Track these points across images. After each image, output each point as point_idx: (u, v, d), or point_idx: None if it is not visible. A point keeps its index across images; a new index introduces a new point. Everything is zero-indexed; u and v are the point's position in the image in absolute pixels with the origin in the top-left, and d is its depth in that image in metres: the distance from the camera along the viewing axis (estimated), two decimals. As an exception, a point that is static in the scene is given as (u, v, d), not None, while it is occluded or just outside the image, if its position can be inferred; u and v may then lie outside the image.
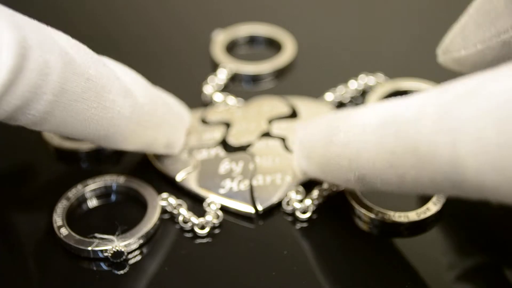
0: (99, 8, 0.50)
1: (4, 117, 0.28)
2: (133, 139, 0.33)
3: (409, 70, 0.42)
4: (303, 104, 0.39)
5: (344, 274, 0.32)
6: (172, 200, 0.34)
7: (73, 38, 0.30)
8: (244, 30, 0.46)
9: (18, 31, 0.26)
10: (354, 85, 0.41)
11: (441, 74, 0.41)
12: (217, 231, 0.34)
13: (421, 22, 0.48)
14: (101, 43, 0.46)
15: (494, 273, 0.31)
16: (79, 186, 0.34)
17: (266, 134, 0.38)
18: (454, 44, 0.33)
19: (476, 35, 0.31)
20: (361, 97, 0.41)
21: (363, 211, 0.33)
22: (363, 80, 0.41)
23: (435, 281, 0.31)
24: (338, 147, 0.29)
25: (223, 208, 0.34)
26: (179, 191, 0.35)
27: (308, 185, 0.35)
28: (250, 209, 0.34)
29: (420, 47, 0.45)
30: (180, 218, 0.34)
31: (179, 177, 0.36)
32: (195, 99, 0.41)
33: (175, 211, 0.34)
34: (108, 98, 0.30)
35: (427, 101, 0.25)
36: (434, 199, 0.33)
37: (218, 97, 0.41)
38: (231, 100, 0.41)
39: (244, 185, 0.35)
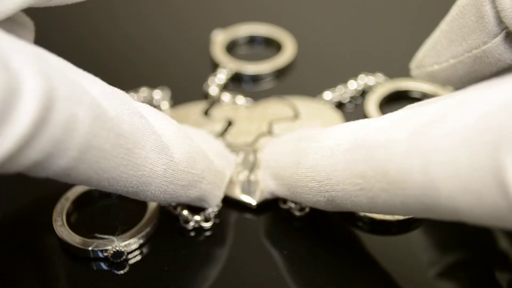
0: (99, 8, 0.50)
1: (22, 170, 0.25)
2: (164, 195, 0.30)
3: (409, 70, 0.42)
4: (303, 104, 0.40)
5: (340, 270, 0.32)
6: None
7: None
8: (244, 30, 0.46)
9: (46, 80, 0.23)
10: (353, 85, 0.41)
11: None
12: (217, 221, 0.34)
13: (421, 22, 0.48)
14: (101, 44, 0.46)
15: (481, 270, 0.32)
16: (79, 186, 0.34)
17: (266, 135, 0.38)
18: (427, 59, 0.33)
19: (449, 50, 0.31)
20: (360, 97, 0.41)
21: None
22: (363, 80, 0.41)
23: (424, 278, 0.31)
24: (306, 170, 0.29)
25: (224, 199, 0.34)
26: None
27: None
28: (248, 199, 0.34)
29: (420, 47, 0.45)
30: (181, 218, 0.34)
31: None
32: (195, 99, 0.41)
33: (175, 212, 0.34)
34: (140, 155, 0.28)
35: (398, 125, 0.25)
36: None
37: (225, 96, 0.41)
38: (240, 99, 0.41)
39: (243, 176, 0.35)
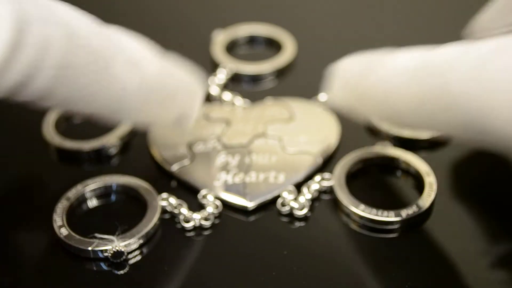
0: (99, 7, 0.50)
1: (6, 93, 0.27)
2: (143, 113, 0.31)
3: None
4: (298, 106, 0.40)
5: (340, 270, 0.32)
6: (173, 200, 0.34)
7: None
8: (244, 30, 0.46)
9: (16, 4, 0.26)
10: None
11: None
12: (217, 221, 0.34)
13: (421, 22, 0.48)
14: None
15: (486, 268, 0.32)
16: (79, 186, 0.34)
17: (261, 136, 0.38)
18: (481, 26, 0.34)
19: (503, 19, 0.32)
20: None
21: (351, 208, 0.33)
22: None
23: (425, 278, 0.31)
24: (374, 81, 0.30)
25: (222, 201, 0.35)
26: (179, 191, 0.35)
27: (299, 185, 0.35)
28: (243, 202, 0.34)
29: (419, 47, 0.45)
30: (181, 218, 0.34)
31: (174, 168, 0.36)
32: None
33: (175, 211, 0.34)
34: (113, 70, 0.29)
35: (464, 51, 0.26)
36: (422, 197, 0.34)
37: (226, 96, 0.41)
38: (238, 100, 0.41)
39: (239, 178, 0.35)
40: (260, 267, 0.32)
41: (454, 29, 0.46)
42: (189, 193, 0.35)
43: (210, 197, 0.34)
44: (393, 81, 0.29)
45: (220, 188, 0.35)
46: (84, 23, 0.29)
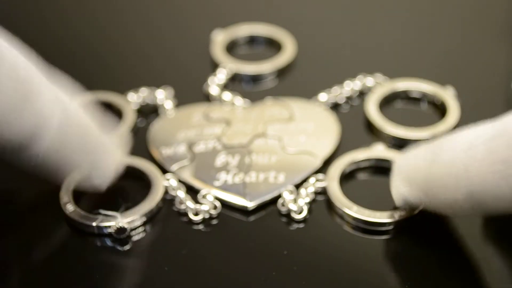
0: (100, 7, 0.50)
1: None
2: (56, 155, 0.30)
3: (410, 70, 0.42)
4: (297, 106, 0.40)
5: (340, 270, 0.32)
6: (174, 182, 0.34)
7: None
8: (244, 30, 0.46)
9: None
10: (350, 85, 0.41)
11: (441, 74, 0.42)
12: (214, 221, 0.34)
13: (420, 22, 0.48)
14: (101, 43, 0.46)
15: (483, 266, 0.31)
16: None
17: (261, 136, 0.38)
18: None
19: None
20: (358, 98, 0.41)
21: (344, 209, 0.33)
22: (362, 80, 0.41)
23: (423, 278, 0.31)
24: (442, 167, 0.28)
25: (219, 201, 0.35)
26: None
27: (299, 186, 0.35)
28: (243, 202, 0.34)
29: (419, 47, 0.45)
30: (177, 200, 0.34)
31: (174, 168, 0.36)
32: (195, 100, 0.41)
33: (173, 193, 0.34)
34: (37, 101, 0.28)
35: None
36: None
37: (226, 96, 0.41)
38: (238, 100, 0.41)
39: (239, 178, 0.35)
40: (260, 267, 0.32)
41: (455, 31, 0.47)
42: (189, 193, 0.35)
43: (210, 197, 0.34)
44: (469, 154, 0.27)
45: (220, 188, 0.35)
46: (12, 52, 0.28)
